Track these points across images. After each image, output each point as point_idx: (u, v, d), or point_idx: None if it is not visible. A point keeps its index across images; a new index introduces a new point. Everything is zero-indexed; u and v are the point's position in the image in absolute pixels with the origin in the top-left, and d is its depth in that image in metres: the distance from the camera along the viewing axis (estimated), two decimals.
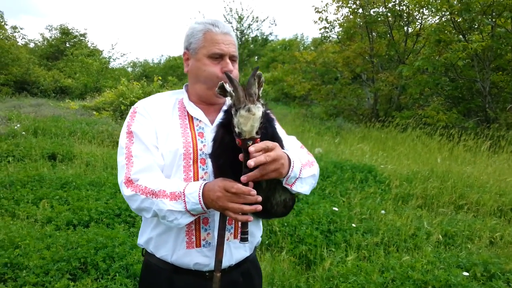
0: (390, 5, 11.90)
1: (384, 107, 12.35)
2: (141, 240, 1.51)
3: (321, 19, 13.46)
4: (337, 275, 3.10)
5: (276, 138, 1.29)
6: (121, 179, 1.35)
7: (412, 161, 6.66)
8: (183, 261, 1.40)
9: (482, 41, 8.68)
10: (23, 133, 8.51)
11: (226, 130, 1.22)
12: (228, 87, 1.16)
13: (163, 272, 1.43)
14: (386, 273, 2.97)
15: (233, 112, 1.13)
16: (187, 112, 1.46)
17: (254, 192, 1.18)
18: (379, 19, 12.33)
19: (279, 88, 20.78)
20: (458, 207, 4.76)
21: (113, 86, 18.09)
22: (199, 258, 1.39)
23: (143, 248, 1.53)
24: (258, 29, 16.91)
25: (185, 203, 1.25)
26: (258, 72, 1.15)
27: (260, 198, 1.19)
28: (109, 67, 23.59)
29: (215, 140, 1.30)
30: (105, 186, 5.26)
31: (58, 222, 4.01)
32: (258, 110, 1.10)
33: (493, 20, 9.27)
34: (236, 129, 1.13)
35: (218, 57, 1.41)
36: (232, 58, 1.43)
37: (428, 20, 12.67)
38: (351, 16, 13.02)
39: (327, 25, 13.78)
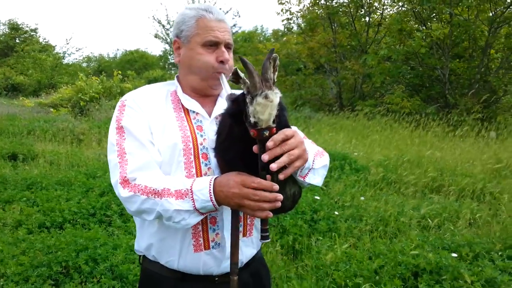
0: None
1: (348, 96, 12.54)
2: (139, 247, 1.37)
3: (283, 10, 13.48)
4: (327, 264, 3.09)
5: (289, 127, 1.17)
6: (115, 179, 1.21)
7: (383, 148, 6.79)
8: (191, 266, 1.28)
9: (441, 29, 8.94)
10: None
11: (235, 120, 1.11)
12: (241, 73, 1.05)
13: (167, 280, 1.31)
14: (378, 259, 2.98)
15: (248, 100, 1.02)
16: (182, 105, 1.34)
17: (276, 187, 1.09)
18: (341, 10, 12.47)
19: None
20: (432, 191, 4.88)
21: (69, 82, 17.41)
22: (209, 262, 1.28)
23: (140, 256, 1.39)
24: None
25: (193, 201, 1.14)
26: (274, 54, 1.04)
27: (281, 196, 1.10)
28: (64, 62, 22.64)
29: (219, 132, 1.20)
30: (74, 185, 5.03)
31: (29, 225, 3.79)
32: (276, 96, 1.00)
33: (452, 9, 9.57)
34: (252, 119, 1.02)
35: (212, 45, 1.30)
36: (227, 46, 1.32)
37: (387, 9, 12.95)
38: (314, 8, 13.10)
39: (290, 16, 13.83)
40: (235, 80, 1.05)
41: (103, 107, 11.48)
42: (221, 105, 1.37)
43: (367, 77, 11.92)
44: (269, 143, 1.04)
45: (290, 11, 13.30)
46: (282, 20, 13.93)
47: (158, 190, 1.15)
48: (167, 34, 15.90)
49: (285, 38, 13.69)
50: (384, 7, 12.68)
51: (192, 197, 1.14)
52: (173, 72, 35.06)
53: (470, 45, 10.64)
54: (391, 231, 3.75)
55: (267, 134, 1.04)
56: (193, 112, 1.33)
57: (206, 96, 1.37)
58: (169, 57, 35.22)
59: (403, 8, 10.93)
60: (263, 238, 1.17)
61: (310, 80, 13.33)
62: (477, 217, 3.81)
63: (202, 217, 1.18)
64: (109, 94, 13.01)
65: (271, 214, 1.12)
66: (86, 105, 11.90)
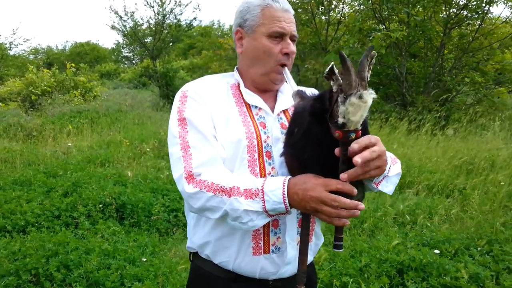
0: None
1: None
2: (192, 243, 1.31)
3: None
4: None
5: (367, 130, 1.10)
6: (178, 173, 1.14)
7: None
8: (247, 268, 1.22)
9: (402, 30, 9.18)
10: None
11: (316, 119, 1.03)
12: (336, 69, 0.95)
13: (219, 280, 1.26)
14: (363, 257, 2.97)
15: (340, 100, 0.93)
16: (244, 99, 1.27)
17: (356, 192, 1.03)
18: (300, 8, 12.51)
19: (199, 76, 20.35)
20: (403, 187, 4.98)
21: (17, 75, 16.44)
22: (267, 266, 1.22)
23: (191, 253, 1.33)
24: (181, 14, 16.39)
25: (264, 202, 1.07)
26: (373, 52, 0.96)
27: (362, 205, 1.03)
28: (11, 54, 21.35)
29: (291, 130, 1.12)
30: (34, 185, 4.72)
31: None
32: (370, 97, 0.92)
33: (409, 8, 9.84)
34: (341, 119, 0.94)
35: (278, 37, 1.24)
36: (292, 38, 1.27)
37: (346, 8, 13.15)
38: None
39: None
40: (328, 76, 0.95)
41: (56, 101, 10.91)
42: (283, 101, 1.32)
43: None
44: (355, 145, 0.96)
45: None
46: None
47: (226, 188, 1.09)
48: (124, 26, 15.39)
49: None
50: (343, 5, 12.88)
51: (263, 197, 1.07)
52: (126, 65, 34.07)
53: (426, 45, 11.01)
54: (368, 227, 3.78)
55: (353, 137, 0.96)
56: (256, 107, 1.27)
57: (265, 91, 1.31)
58: (122, 50, 34.14)
59: (361, 7, 11.14)
60: (336, 247, 1.10)
61: None
62: (451, 213, 3.91)
63: (269, 219, 1.11)
64: (62, 87, 12.39)
65: (348, 222, 1.05)
66: (38, 99, 11.26)
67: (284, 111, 1.32)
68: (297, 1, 12.34)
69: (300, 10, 12.57)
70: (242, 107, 1.27)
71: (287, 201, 1.06)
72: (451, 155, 5.56)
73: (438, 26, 10.34)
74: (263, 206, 1.07)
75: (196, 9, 16.02)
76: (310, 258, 1.33)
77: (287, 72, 1.30)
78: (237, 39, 1.32)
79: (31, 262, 2.76)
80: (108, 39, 66.11)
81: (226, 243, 1.22)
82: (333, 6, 12.77)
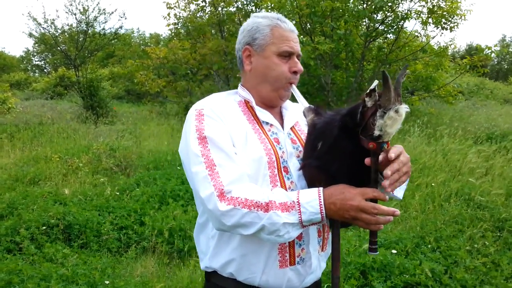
0: (239, 4, 12.32)
1: None
2: (213, 263, 1.30)
3: (170, 15, 13.19)
4: None
5: None
6: (208, 192, 1.14)
7: None
8: (274, 282, 1.25)
9: (329, 43, 9.68)
10: None
11: (345, 133, 1.11)
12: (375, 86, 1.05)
13: None
14: (329, 262, 3.09)
15: (379, 114, 1.02)
16: (254, 116, 1.31)
17: (387, 199, 1.13)
18: (227, 18, 12.66)
19: (123, 85, 19.68)
20: None
21: None
22: (293, 277, 1.27)
23: (210, 272, 1.33)
24: (105, 22, 15.69)
25: (300, 214, 1.12)
26: (407, 70, 1.08)
27: (398, 211, 1.12)
28: None
29: (316, 145, 1.19)
30: None
31: None
32: (404, 111, 1.02)
33: (334, 22, 10.41)
34: (377, 132, 1.03)
35: (287, 56, 1.31)
36: (298, 57, 1.35)
37: None
38: (200, 13, 13.09)
39: (176, 21, 13.59)
40: (369, 93, 1.04)
41: None
42: (290, 117, 1.39)
43: None
44: (391, 155, 1.06)
45: (176, 15, 13.09)
46: (168, 25, 13.55)
47: (261, 203, 1.12)
48: (43, 34, 14.41)
49: (171, 43, 13.37)
50: None
51: (299, 209, 1.12)
52: (37, 74, 31.73)
53: (348, 57, 11.70)
54: None
55: (385, 147, 1.06)
56: (267, 123, 1.32)
57: (272, 107, 1.37)
58: (33, 58, 31.86)
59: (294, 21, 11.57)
60: (372, 250, 1.17)
61: (202, 87, 13.28)
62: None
63: (301, 230, 1.16)
64: None
65: (382, 227, 1.14)
66: None
67: (291, 127, 1.39)
68: (224, 13, 12.47)
69: (227, 20, 12.74)
70: (255, 124, 1.31)
71: (324, 211, 1.12)
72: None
73: (358, 38, 11.04)
74: (299, 218, 1.12)
75: (122, 17, 15.49)
76: (324, 266, 1.40)
77: (295, 90, 1.38)
78: (245, 56, 1.36)
79: None
80: (16, 47, 61.23)
81: (253, 259, 1.25)
82: None
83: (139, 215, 4.35)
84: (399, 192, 1.31)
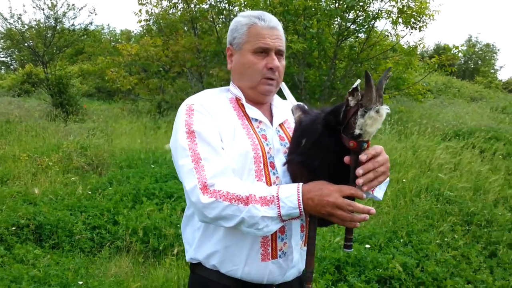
0: (212, 1, 12.24)
1: None
2: (198, 255, 1.33)
3: (141, 11, 12.99)
4: None
5: None
6: (192, 184, 1.18)
7: None
8: (256, 275, 1.28)
9: (301, 42, 9.76)
10: None
11: (328, 130, 1.13)
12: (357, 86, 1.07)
13: None
14: None
15: (360, 113, 1.05)
16: (244, 113, 1.35)
17: (364, 197, 1.15)
18: (200, 15, 12.57)
19: (93, 83, 19.27)
20: None
21: None
22: (274, 271, 1.29)
23: (194, 263, 1.35)
24: (75, 18, 15.27)
25: (279, 208, 1.14)
26: (390, 73, 1.11)
27: (373, 209, 1.15)
28: None
29: (299, 140, 1.21)
30: None
31: None
32: (385, 112, 1.05)
33: (306, 21, 10.50)
34: (357, 130, 1.06)
35: (263, 52, 1.33)
36: (279, 53, 1.36)
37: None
38: (172, 10, 12.95)
39: (148, 18, 13.41)
40: (351, 92, 1.06)
41: None
42: (279, 115, 1.41)
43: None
44: (363, 157, 1.09)
45: (147, 12, 12.91)
46: (140, 21, 13.34)
47: (242, 197, 1.15)
48: (10, 29, 13.94)
49: (143, 40, 13.17)
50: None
51: (278, 204, 1.14)
52: (3, 71, 30.64)
53: (320, 55, 11.82)
54: None
55: (365, 146, 1.08)
56: (256, 120, 1.35)
57: (260, 103, 1.39)
58: None
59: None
60: (347, 247, 1.20)
61: (175, 85, 13.14)
62: None
63: (281, 224, 1.19)
64: None
65: (358, 225, 1.16)
66: None
67: (280, 124, 1.42)
68: (197, 10, 12.37)
69: (199, 17, 12.64)
70: (244, 120, 1.34)
71: (302, 206, 1.14)
72: None
73: (331, 37, 11.17)
74: (278, 212, 1.14)
75: (92, 13, 15.08)
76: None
77: (285, 88, 1.41)
78: (228, 55, 1.42)
79: None
80: None
81: (235, 251, 1.27)
82: (232, 17, 13.05)
83: (112, 214, 4.29)
84: (379, 193, 1.34)
